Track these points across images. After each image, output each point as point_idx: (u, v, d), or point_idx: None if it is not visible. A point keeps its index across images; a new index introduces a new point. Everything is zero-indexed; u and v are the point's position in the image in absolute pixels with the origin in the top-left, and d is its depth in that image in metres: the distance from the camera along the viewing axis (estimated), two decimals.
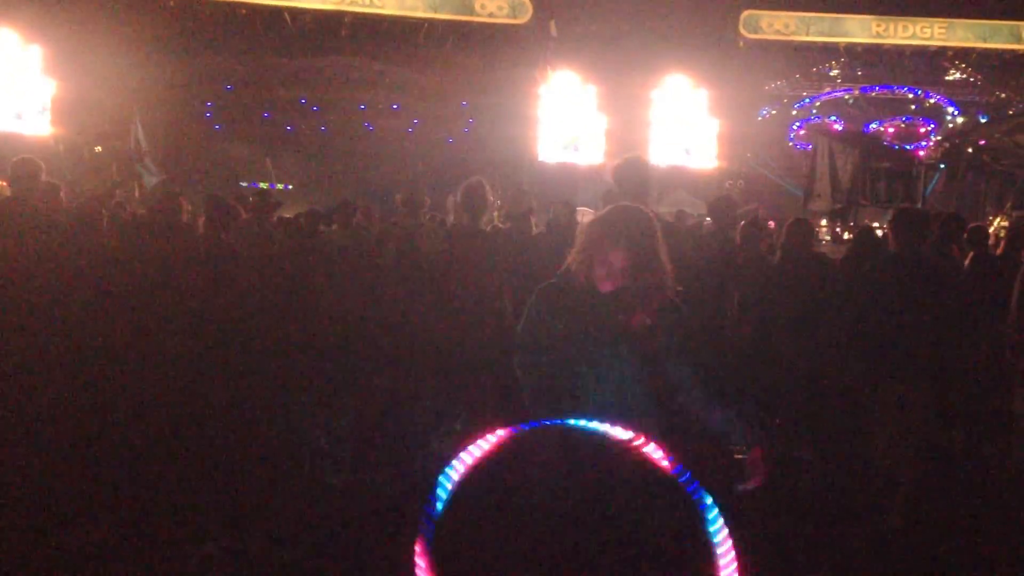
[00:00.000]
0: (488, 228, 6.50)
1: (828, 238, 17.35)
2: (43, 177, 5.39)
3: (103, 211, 7.05)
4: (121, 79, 16.81)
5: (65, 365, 5.00)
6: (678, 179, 20.55)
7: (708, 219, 7.86)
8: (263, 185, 20.04)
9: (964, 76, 22.41)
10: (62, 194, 5.96)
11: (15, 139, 15.10)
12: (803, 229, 6.10)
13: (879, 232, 10.95)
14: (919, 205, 17.62)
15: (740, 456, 5.57)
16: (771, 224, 11.77)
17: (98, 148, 18.77)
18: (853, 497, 4.84)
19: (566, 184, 17.26)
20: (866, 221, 15.82)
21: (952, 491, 5.08)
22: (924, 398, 4.68)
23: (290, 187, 23.15)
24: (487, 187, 5.32)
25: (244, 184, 20.68)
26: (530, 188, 10.80)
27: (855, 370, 4.82)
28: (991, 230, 13.93)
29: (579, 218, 7.29)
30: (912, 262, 4.72)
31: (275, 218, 8.29)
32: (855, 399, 4.93)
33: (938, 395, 4.81)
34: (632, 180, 4.62)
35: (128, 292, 5.09)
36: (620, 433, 2.42)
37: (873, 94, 23.53)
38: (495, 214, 12.46)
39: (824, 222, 18.30)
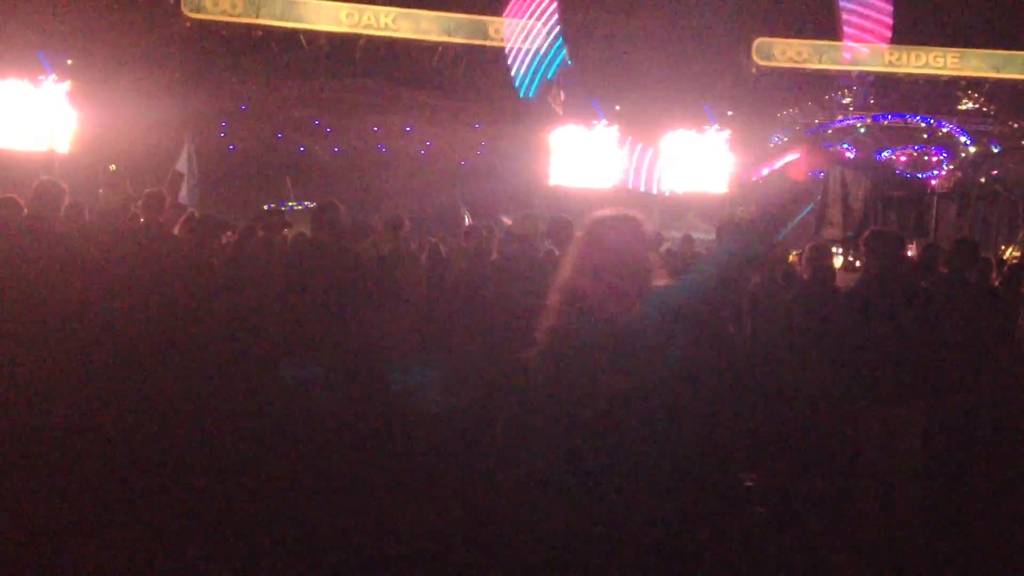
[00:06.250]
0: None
1: (840, 264, 17.28)
2: (66, 200, 5.39)
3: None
4: (135, 100, 16.94)
5: (75, 379, 5.03)
6: (688, 203, 20.57)
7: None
8: (293, 204, 20.15)
9: (977, 106, 22.41)
10: (86, 213, 6.01)
11: (23, 156, 15.22)
12: (823, 255, 6.14)
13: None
14: (931, 234, 17.59)
15: (750, 484, 5.51)
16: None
17: (112, 166, 18.89)
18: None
19: (579, 208, 17.29)
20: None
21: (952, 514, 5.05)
22: (916, 420, 4.67)
23: (310, 206, 23.14)
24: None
25: (267, 207, 20.69)
26: (541, 212, 10.83)
27: (842, 392, 4.82)
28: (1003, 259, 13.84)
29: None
30: (888, 283, 4.73)
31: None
32: (847, 421, 4.93)
33: (932, 417, 4.79)
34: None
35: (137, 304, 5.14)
36: None
37: (885, 123, 23.51)
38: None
39: (838, 250, 18.22)
